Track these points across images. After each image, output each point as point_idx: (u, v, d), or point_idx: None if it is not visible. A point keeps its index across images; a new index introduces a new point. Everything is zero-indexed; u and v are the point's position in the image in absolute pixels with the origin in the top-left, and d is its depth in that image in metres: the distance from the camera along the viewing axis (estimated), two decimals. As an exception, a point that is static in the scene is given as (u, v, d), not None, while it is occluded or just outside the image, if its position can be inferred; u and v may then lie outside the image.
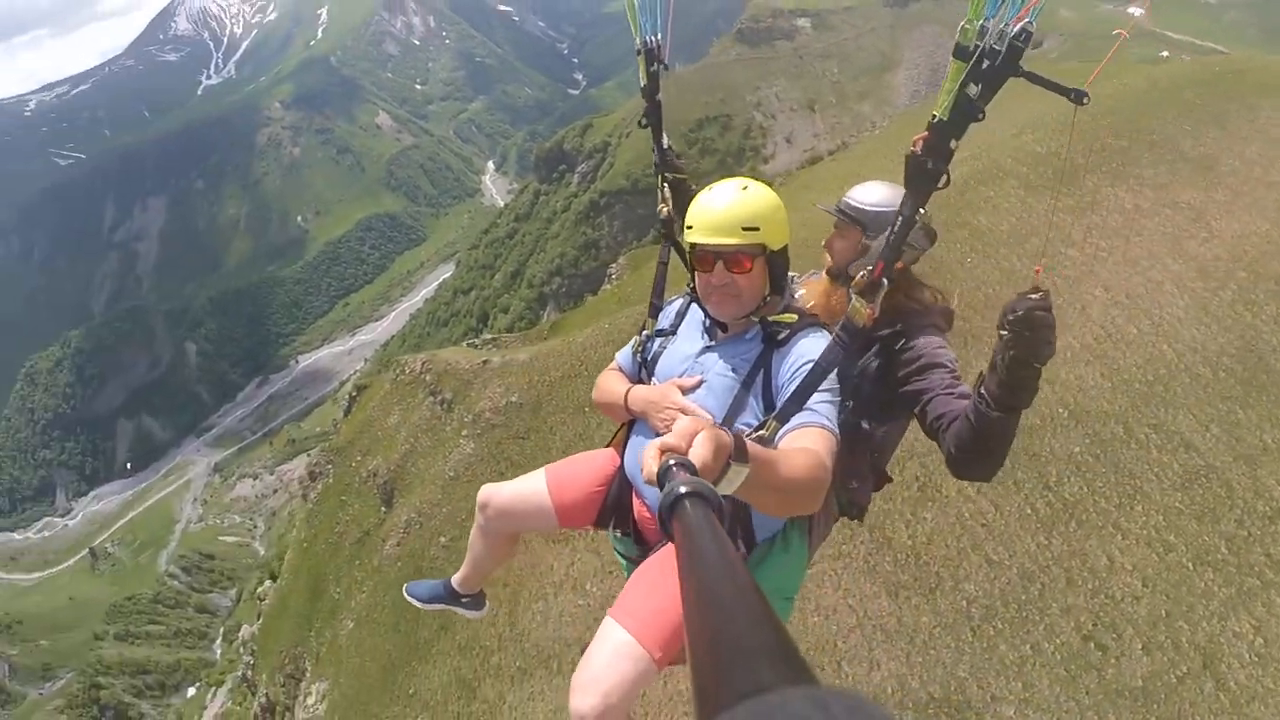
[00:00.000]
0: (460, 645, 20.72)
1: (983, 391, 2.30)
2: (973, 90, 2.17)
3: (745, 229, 2.54)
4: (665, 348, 2.95)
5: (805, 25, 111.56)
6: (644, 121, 3.45)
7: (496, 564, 3.69)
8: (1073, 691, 8.61)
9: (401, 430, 26.61)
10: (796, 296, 3.04)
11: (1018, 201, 16.06)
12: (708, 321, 2.84)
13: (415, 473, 25.07)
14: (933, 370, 2.74)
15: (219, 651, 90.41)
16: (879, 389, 2.85)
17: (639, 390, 2.84)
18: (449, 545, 22.17)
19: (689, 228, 2.64)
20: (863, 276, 2.45)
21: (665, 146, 3.49)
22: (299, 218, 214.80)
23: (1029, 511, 9.98)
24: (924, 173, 2.36)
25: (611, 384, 3.05)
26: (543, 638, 15.81)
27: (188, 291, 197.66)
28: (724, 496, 1.51)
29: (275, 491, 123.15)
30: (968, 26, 2.08)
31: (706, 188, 2.73)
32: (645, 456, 1.39)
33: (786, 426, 2.38)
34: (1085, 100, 2.05)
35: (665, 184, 3.46)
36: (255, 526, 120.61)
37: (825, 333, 2.68)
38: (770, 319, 2.72)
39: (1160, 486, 9.82)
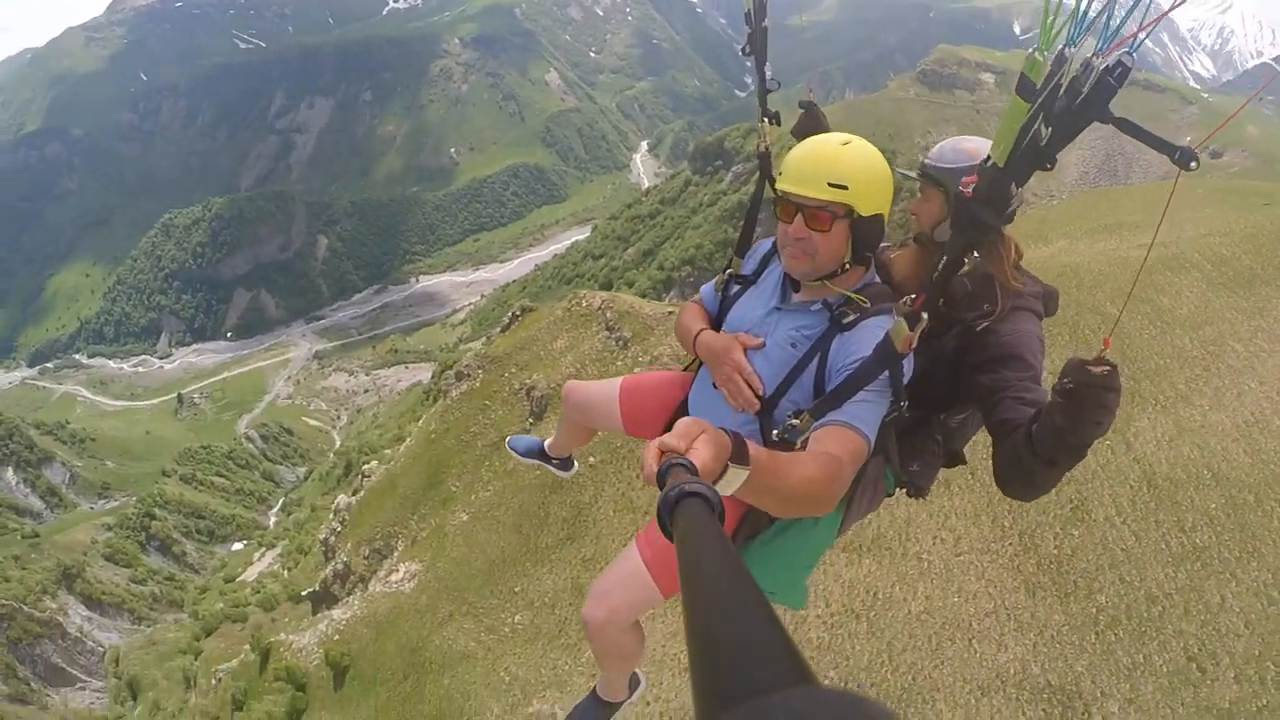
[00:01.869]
0: (585, 559, 21.70)
1: (1032, 432, 2.12)
2: (1043, 133, 1.88)
3: (832, 184, 2.38)
4: (742, 295, 2.91)
5: (989, 80, 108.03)
6: (747, 49, 3.23)
7: (579, 444, 4.08)
8: (1171, 701, 10.41)
9: (568, 355, 27.38)
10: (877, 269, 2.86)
11: (1198, 293, 17.03)
12: (783, 280, 2.75)
13: None
14: (1009, 364, 2.51)
15: (273, 519, 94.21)
16: (951, 372, 2.66)
17: (707, 337, 2.79)
18: (596, 466, 22.93)
19: (779, 173, 2.51)
20: (905, 303, 2.22)
21: (769, 78, 3.28)
22: (452, 150, 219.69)
23: (1163, 547, 11.82)
24: (974, 223, 2.10)
25: (689, 319, 3.01)
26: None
27: (332, 190, 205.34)
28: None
29: (366, 391, 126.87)
30: (1038, 58, 1.77)
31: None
32: (645, 456, 1.41)
33: (819, 422, 2.32)
34: (1193, 165, 1.78)
35: (766, 119, 3.26)
36: (338, 418, 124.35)
37: (892, 323, 2.44)
38: (844, 294, 2.58)
39: (1276, 550, 11.38)
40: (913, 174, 2.88)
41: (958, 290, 2.66)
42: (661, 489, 1.20)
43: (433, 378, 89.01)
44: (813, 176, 2.42)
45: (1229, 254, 18.20)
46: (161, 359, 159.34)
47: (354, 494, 35.86)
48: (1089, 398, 1.88)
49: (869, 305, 2.54)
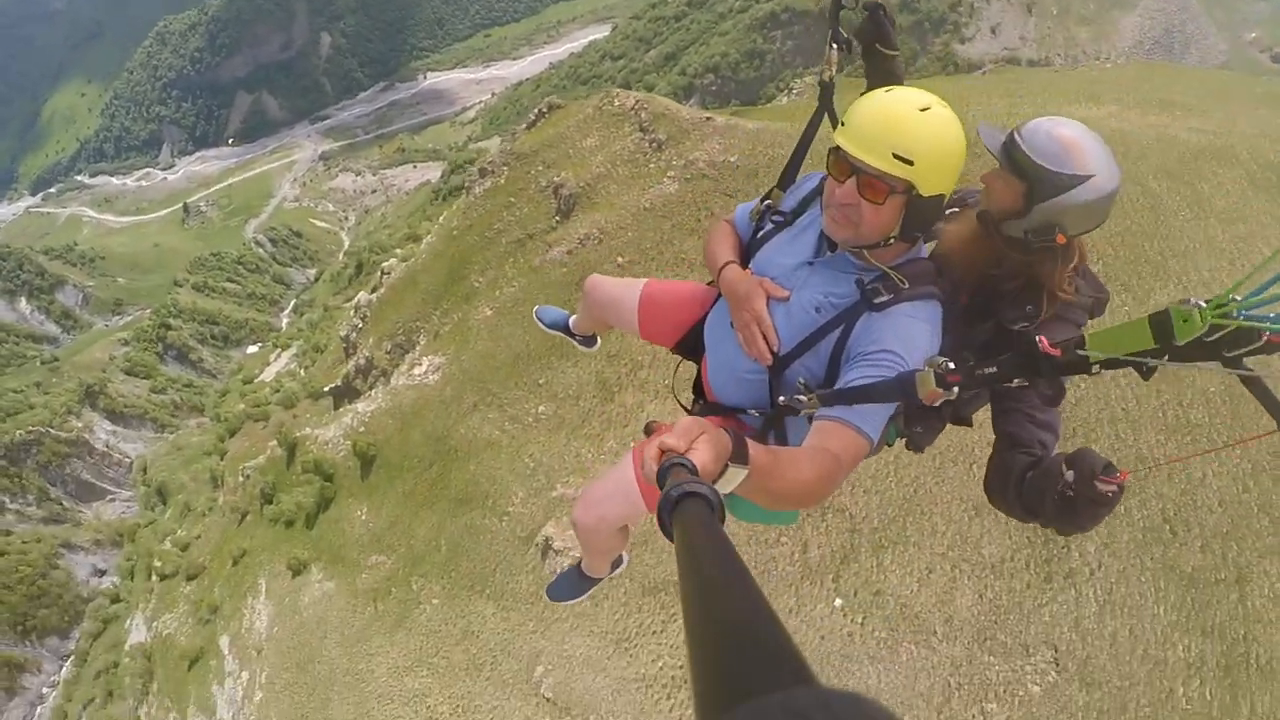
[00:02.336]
0: (609, 354, 21.91)
1: (1026, 481, 2.14)
2: (1154, 367, 1.76)
3: (897, 156, 2.14)
4: (775, 235, 2.71)
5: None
6: None
7: (601, 331, 4.00)
8: (1142, 554, 12.12)
9: (599, 154, 26.86)
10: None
11: (1239, 190, 17.44)
12: (822, 234, 2.54)
13: (605, 195, 25.52)
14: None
15: (285, 321, 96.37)
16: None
17: (732, 274, 2.63)
18: (625, 267, 22.89)
19: (842, 122, 2.26)
20: (944, 368, 2.06)
21: None
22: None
23: (1159, 415, 13.99)
24: (1035, 369, 2.01)
25: (718, 243, 2.84)
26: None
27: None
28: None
29: (374, 192, 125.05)
30: (1196, 319, 1.57)
31: (888, 87, 2.29)
32: (646, 456, 1.40)
33: (827, 411, 2.24)
34: None
35: (835, 45, 2.88)
36: (346, 219, 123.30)
37: (928, 314, 2.34)
38: (882, 269, 2.38)
39: (1260, 446, 12.55)
40: (996, 147, 2.37)
41: (1004, 288, 2.47)
42: (662, 488, 1.20)
43: (443, 177, 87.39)
44: (878, 142, 2.16)
45: (1276, 160, 18.11)
46: (165, 170, 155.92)
47: (374, 291, 36.15)
48: (1086, 512, 1.90)
49: (907, 286, 2.33)
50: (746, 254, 2.79)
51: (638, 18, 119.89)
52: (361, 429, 29.26)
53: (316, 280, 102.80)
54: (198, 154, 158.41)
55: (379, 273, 37.72)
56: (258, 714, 25.66)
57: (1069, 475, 1.91)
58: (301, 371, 57.38)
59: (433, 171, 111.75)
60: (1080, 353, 1.85)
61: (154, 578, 43.76)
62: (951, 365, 2.06)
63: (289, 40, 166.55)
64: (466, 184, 31.74)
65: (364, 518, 27.30)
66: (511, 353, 24.75)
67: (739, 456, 1.53)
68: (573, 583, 3.58)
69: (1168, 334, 1.63)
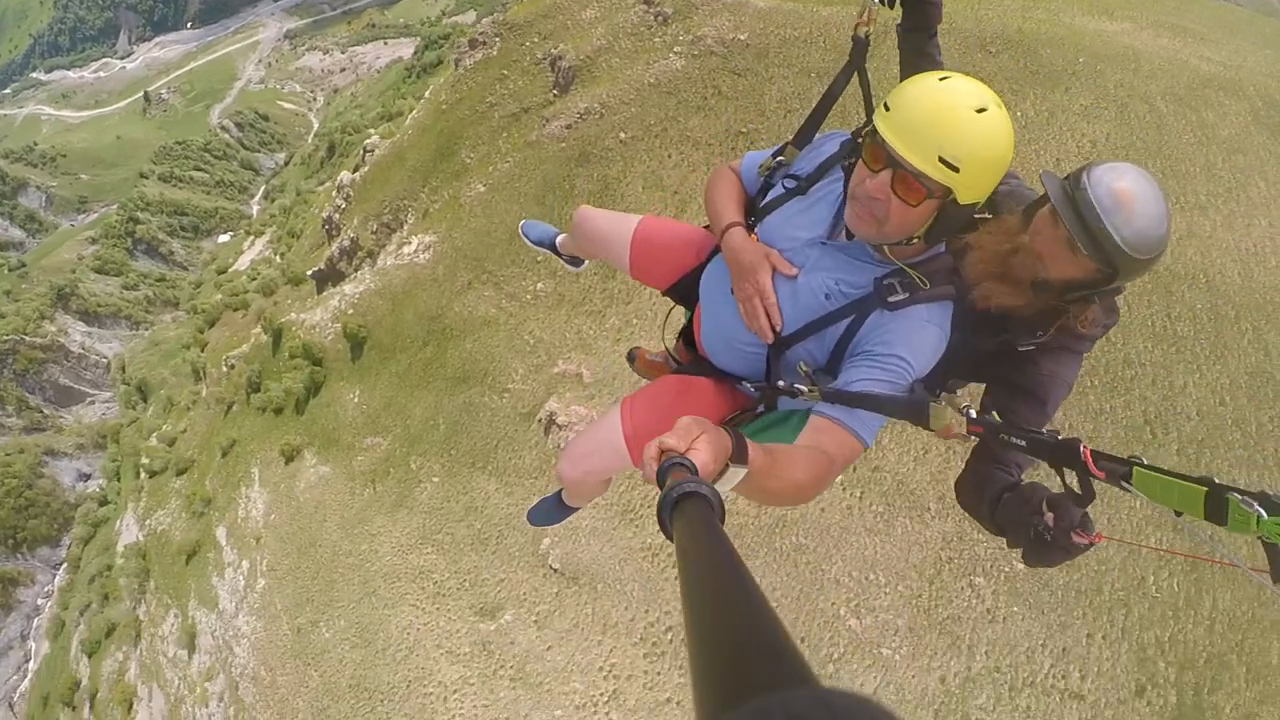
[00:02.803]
0: None
1: (1001, 501, 2.15)
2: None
3: (942, 160, 1.96)
4: (786, 202, 2.52)
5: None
6: None
7: (588, 257, 3.80)
8: (1121, 451, 11.76)
9: (599, 26, 26.16)
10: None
11: (1242, 123, 17.58)
12: (840, 208, 2.37)
13: (607, 69, 24.99)
14: (1029, 401, 2.38)
15: (256, 208, 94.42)
16: (979, 368, 2.52)
17: (738, 239, 2.46)
18: (627, 141, 22.54)
19: (885, 107, 2.05)
20: (965, 413, 2.04)
21: None
22: None
23: (1149, 323, 14.88)
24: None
25: (722, 196, 2.65)
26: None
27: None
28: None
29: (343, 70, 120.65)
30: (1255, 517, 1.49)
31: (941, 72, 2.06)
32: (646, 456, 1.38)
33: (825, 410, 2.17)
34: None
35: (878, 1, 2.60)
36: (315, 99, 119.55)
37: (941, 317, 2.24)
38: (900, 267, 2.25)
39: (1239, 362, 13.99)
40: (1072, 229, 2.01)
41: (1026, 314, 2.31)
42: (662, 488, 1.19)
43: (416, 53, 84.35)
44: (925, 141, 1.95)
45: (1280, 98, 18.34)
46: (123, 59, 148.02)
47: (356, 170, 35.19)
48: (1056, 556, 1.91)
49: (927, 286, 2.21)
50: (749, 210, 2.64)
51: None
52: (350, 311, 29.02)
53: (286, 164, 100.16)
54: (156, 39, 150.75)
55: (361, 151, 36.70)
56: (261, 600, 26.14)
57: (1048, 517, 1.92)
58: (278, 258, 56.46)
59: (405, 48, 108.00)
60: (1124, 485, 1.79)
61: (142, 475, 43.92)
62: (974, 414, 2.04)
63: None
64: (456, 56, 30.60)
65: (357, 400, 27.31)
66: (507, 229, 24.33)
67: (739, 457, 1.53)
68: (552, 508, 3.57)
69: (1219, 520, 1.57)
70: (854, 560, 15.17)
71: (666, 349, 3.21)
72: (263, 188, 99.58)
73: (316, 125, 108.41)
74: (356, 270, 32.26)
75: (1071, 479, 1.94)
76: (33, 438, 62.63)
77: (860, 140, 2.14)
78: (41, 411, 65.96)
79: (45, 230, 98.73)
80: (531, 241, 4.14)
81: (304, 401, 30.55)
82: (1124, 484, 1.76)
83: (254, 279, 54.02)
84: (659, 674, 16.12)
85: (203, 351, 49.80)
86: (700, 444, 1.39)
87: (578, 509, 3.58)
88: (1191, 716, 12.32)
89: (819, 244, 2.36)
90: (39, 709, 41.94)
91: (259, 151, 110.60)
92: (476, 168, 26.89)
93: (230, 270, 68.51)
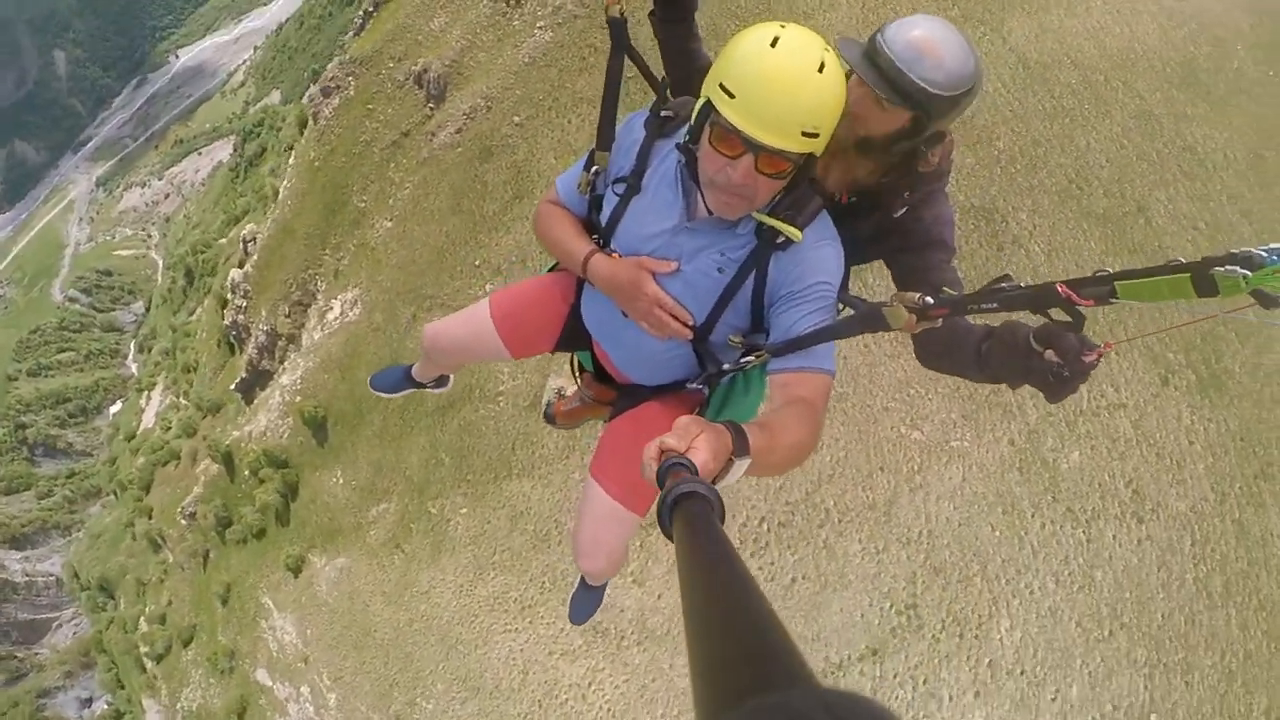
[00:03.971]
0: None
1: (982, 351, 2.16)
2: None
3: (806, 134, 1.98)
4: (627, 206, 2.48)
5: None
6: None
7: (453, 371, 3.85)
8: (1062, 210, 15.42)
9: (453, 30, 26.41)
10: None
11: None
12: (684, 184, 2.36)
13: (476, 66, 25.37)
14: (933, 248, 2.49)
15: (135, 366, 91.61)
16: (866, 252, 2.61)
17: (603, 265, 2.44)
18: (523, 123, 23.17)
19: (728, 93, 1.99)
20: (921, 304, 2.02)
21: None
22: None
23: (1040, 107, 16.54)
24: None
25: (560, 229, 2.62)
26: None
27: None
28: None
29: (167, 196, 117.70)
30: (1242, 279, 1.51)
31: (764, 31, 2.00)
32: (645, 456, 1.43)
33: (781, 364, 2.23)
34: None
35: None
36: (150, 236, 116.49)
37: (828, 231, 2.32)
38: (770, 222, 2.25)
39: (1122, 113, 16.01)
40: (869, 74, 2.19)
41: (885, 183, 2.47)
42: (661, 488, 1.22)
43: (236, 150, 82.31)
44: (785, 123, 1.96)
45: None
46: None
47: (243, 265, 34.49)
48: (1076, 384, 1.91)
49: (799, 219, 2.23)
50: (592, 229, 2.62)
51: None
52: (298, 398, 28.55)
53: (148, 310, 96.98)
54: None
55: (240, 244, 35.96)
56: (342, 713, 25.64)
57: (1049, 355, 1.90)
58: (183, 399, 54.89)
59: (222, 150, 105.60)
60: (1112, 301, 1.77)
61: (149, 666, 42.14)
62: (930, 300, 2.00)
63: (22, 74, 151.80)
64: (312, 110, 30.24)
65: (342, 481, 26.85)
66: (432, 249, 24.36)
67: (740, 449, 1.56)
68: (584, 599, 3.62)
69: (1211, 293, 1.60)
70: (890, 385, 15.88)
71: (580, 391, 3.24)
72: (132, 343, 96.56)
73: (161, 261, 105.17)
74: (283, 361, 31.67)
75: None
76: (19, 687, 60.04)
77: (703, 125, 2.10)
78: (15, 657, 63.08)
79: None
80: (388, 392, 4.05)
81: (285, 511, 29.86)
82: (1111, 300, 1.76)
83: (168, 428, 52.26)
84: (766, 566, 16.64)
85: (151, 519, 47.71)
86: (699, 443, 1.42)
87: (603, 592, 3.64)
88: (1212, 384, 13.94)
89: (683, 230, 2.35)
90: None
91: (114, 310, 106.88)
92: (374, 208, 26.72)
93: (139, 432, 66.07)
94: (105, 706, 53.17)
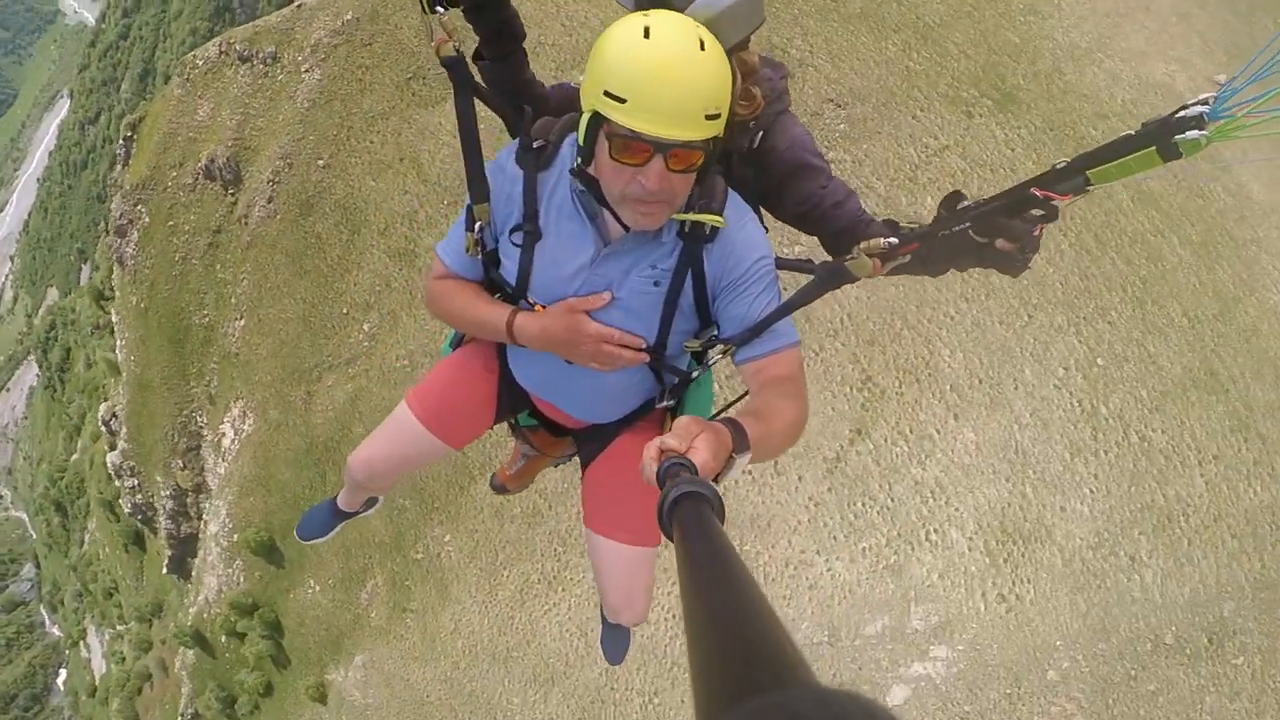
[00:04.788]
0: (380, 229, 22.41)
1: (924, 256, 2.05)
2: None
3: (709, 117, 1.87)
4: (533, 253, 2.29)
5: None
6: None
7: (381, 491, 3.49)
8: (825, 23, 16.95)
9: (222, 111, 26.27)
10: None
11: None
12: (586, 211, 2.20)
13: (260, 133, 25.35)
14: (805, 175, 2.43)
15: (55, 627, 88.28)
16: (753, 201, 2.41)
17: (530, 321, 2.28)
18: (329, 163, 23.50)
19: (616, 99, 1.83)
20: (887, 248, 1.96)
21: None
22: None
23: None
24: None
25: (463, 302, 2.42)
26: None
27: None
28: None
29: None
30: (1204, 138, 1.53)
31: (629, 25, 1.87)
32: (645, 457, 1.42)
33: (749, 351, 2.16)
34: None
35: (434, 6, 2.17)
36: (2, 495, 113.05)
37: (744, 208, 2.25)
38: (692, 219, 2.13)
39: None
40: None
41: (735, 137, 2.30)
42: (661, 489, 1.22)
43: (41, 367, 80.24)
44: (687, 114, 1.83)
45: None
46: None
47: (113, 447, 33.07)
48: (1029, 258, 1.87)
49: (715, 206, 2.13)
50: (493, 288, 2.46)
51: (85, 67, 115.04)
52: (235, 536, 27.62)
53: (39, 568, 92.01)
54: None
55: (101, 426, 34.45)
56: None
57: (1003, 245, 1.85)
58: (119, 625, 53.31)
59: (28, 375, 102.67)
60: (1088, 189, 1.74)
61: None
62: (895, 241, 1.93)
63: None
64: (115, 255, 29.28)
65: (318, 588, 26.08)
66: (295, 320, 24.11)
67: (740, 446, 1.54)
68: (617, 638, 3.55)
69: (1177, 157, 1.59)
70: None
71: (521, 449, 3.12)
72: (41, 608, 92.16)
73: (25, 514, 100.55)
74: (200, 516, 30.75)
75: None
76: None
77: (594, 141, 1.95)
78: None
79: None
80: (319, 535, 3.73)
81: (280, 652, 28.86)
82: (1087, 189, 1.72)
83: (121, 660, 50.26)
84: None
85: None
86: (699, 443, 1.40)
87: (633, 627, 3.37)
88: (1007, 102, 15.96)
89: (603, 257, 2.21)
90: None
91: (8, 585, 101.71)
92: (218, 316, 26.19)
93: (99, 681, 62.26)
94: None
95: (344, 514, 3.57)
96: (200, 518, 30.61)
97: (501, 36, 2.34)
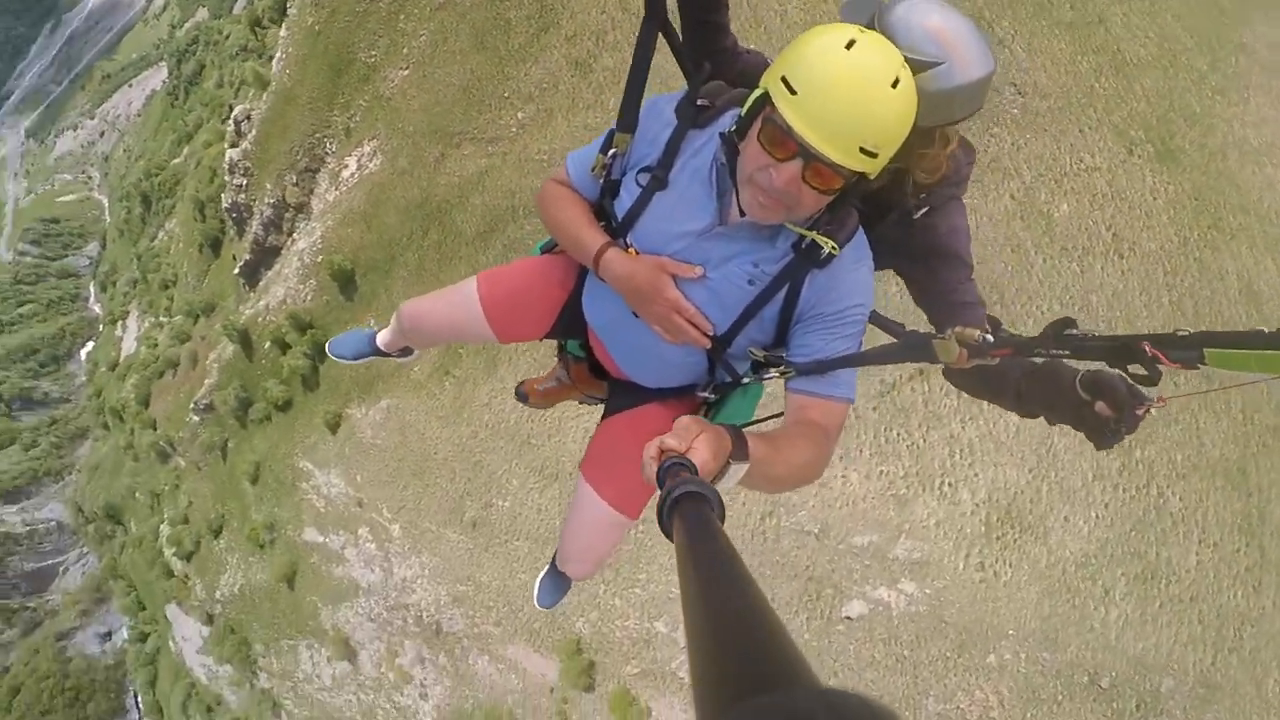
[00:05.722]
0: (567, 36, 22.69)
1: (1022, 392, 2.05)
2: None
3: (865, 151, 1.83)
4: (650, 199, 2.22)
5: None
6: None
7: (421, 346, 3.50)
8: (1035, 20, 17.58)
9: None
10: None
11: None
12: (720, 183, 2.14)
13: None
14: (949, 263, 2.39)
15: (97, 305, 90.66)
16: (877, 260, 2.33)
17: (620, 261, 2.21)
18: None
19: (790, 88, 1.82)
20: (981, 342, 1.84)
21: None
22: None
23: None
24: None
25: (569, 215, 2.38)
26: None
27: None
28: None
29: (102, 134, 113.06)
30: None
31: (843, 32, 1.82)
32: (645, 456, 1.41)
33: (802, 385, 2.12)
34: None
35: None
36: (90, 178, 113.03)
37: (865, 251, 2.19)
38: (810, 237, 2.08)
39: None
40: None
41: (876, 187, 2.20)
42: (661, 488, 1.23)
43: (171, 75, 78.96)
44: (846, 136, 1.80)
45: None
46: None
47: (237, 145, 33.90)
48: (1125, 434, 1.78)
49: (840, 236, 2.08)
50: (601, 215, 2.37)
51: None
52: (320, 256, 28.70)
53: (104, 248, 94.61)
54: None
55: (233, 124, 35.30)
56: (409, 540, 26.23)
57: (1100, 408, 1.78)
58: (163, 317, 54.17)
59: (154, 78, 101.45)
60: (1198, 366, 1.60)
61: (178, 565, 41.91)
62: (990, 339, 1.83)
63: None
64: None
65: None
66: (456, 87, 24.62)
67: (739, 453, 1.55)
68: (557, 585, 3.48)
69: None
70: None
71: (558, 371, 3.07)
72: (92, 284, 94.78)
73: (106, 201, 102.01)
74: (292, 233, 31.80)
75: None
76: (36, 635, 60.61)
77: (754, 118, 1.91)
78: (27, 607, 63.63)
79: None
80: (348, 357, 3.72)
81: (313, 375, 30.30)
82: (1198, 365, 1.58)
83: (154, 345, 51.72)
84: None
85: (155, 430, 47.28)
86: (699, 443, 1.41)
87: (570, 581, 3.43)
88: (1168, 156, 16.47)
89: (714, 234, 2.15)
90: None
91: (67, 256, 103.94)
92: (385, 60, 26.70)
93: (122, 359, 65.13)
94: (126, 632, 53.95)
95: (379, 351, 3.57)
96: (290, 234, 31.77)
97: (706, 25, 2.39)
